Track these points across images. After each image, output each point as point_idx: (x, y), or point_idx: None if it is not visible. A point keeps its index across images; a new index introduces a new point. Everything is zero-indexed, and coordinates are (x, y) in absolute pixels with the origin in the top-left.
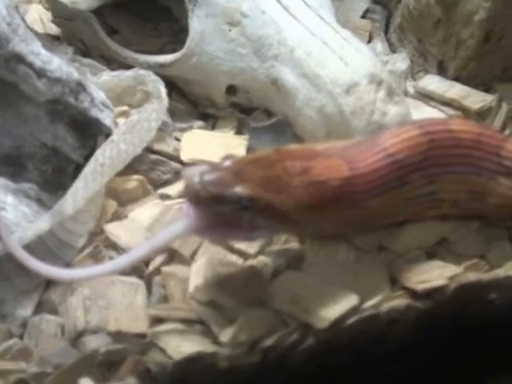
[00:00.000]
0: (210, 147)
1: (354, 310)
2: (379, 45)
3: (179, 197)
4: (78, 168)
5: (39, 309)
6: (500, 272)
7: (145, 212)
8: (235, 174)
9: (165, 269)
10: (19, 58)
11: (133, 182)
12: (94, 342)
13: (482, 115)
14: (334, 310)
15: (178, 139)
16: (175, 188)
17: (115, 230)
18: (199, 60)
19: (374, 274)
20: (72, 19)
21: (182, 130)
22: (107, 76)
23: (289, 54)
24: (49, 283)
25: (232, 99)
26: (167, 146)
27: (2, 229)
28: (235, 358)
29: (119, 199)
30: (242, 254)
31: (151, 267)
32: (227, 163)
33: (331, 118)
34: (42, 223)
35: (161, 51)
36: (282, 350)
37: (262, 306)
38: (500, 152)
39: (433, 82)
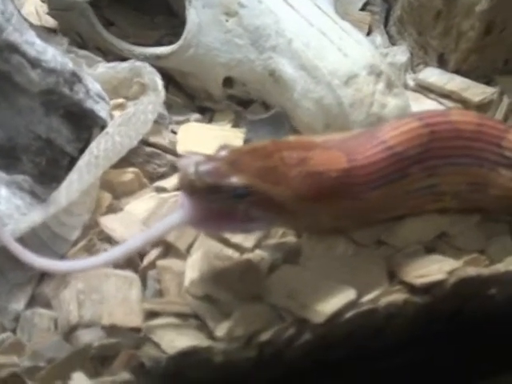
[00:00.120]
0: (207, 140)
1: (351, 305)
2: (379, 37)
3: (175, 190)
4: (73, 160)
5: (32, 302)
6: (500, 267)
7: (140, 205)
8: (231, 164)
9: (160, 262)
10: (13, 48)
11: (128, 174)
12: (87, 336)
13: (482, 108)
14: (330, 305)
15: (174, 132)
16: (171, 181)
17: (110, 223)
18: (196, 52)
19: (372, 268)
20: (68, 10)
21: (179, 123)
22: (103, 68)
23: (287, 45)
24: (42, 276)
25: (229, 92)
26: (163, 139)
27: None
28: (231, 353)
29: (114, 192)
30: (239, 248)
31: (146, 261)
32: (223, 153)
33: (330, 110)
34: (35, 215)
35: (158, 44)
36: (278, 344)
37: (259, 300)
38: (501, 143)
39: (433, 75)
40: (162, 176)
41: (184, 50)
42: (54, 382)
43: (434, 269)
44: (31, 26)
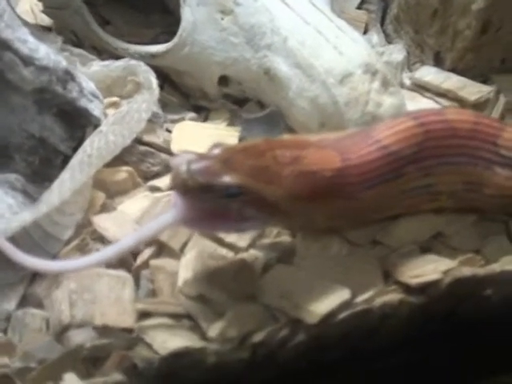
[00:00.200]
0: (201, 139)
1: (345, 305)
2: (375, 36)
3: (169, 189)
4: (66, 159)
5: (24, 302)
6: (496, 267)
7: (134, 204)
8: (224, 162)
9: (153, 262)
10: (5, 45)
11: (122, 173)
12: (79, 337)
13: (479, 107)
14: (324, 305)
15: (169, 131)
16: (165, 180)
17: (103, 223)
18: (191, 50)
19: (367, 268)
20: (62, 8)
21: (174, 122)
22: (97, 66)
23: (282, 44)
24: (34, 276)
25: (224, 90)
26: (157, 138)
27: None
28: (224, 354)
29: (108, 191)
30: (233, 248)
31: (139, 260)
32: (216, 152)
33: (325, 109)
34: (26, 215)
35: (153, 42)
36: (272, 345)
37: (252, 300)
38: (497, 141)
39: (429, 74)
40: (156, 175)
41: (179, 48)
42: (45, 383)
43: (429, 269)
44: (26, 24)
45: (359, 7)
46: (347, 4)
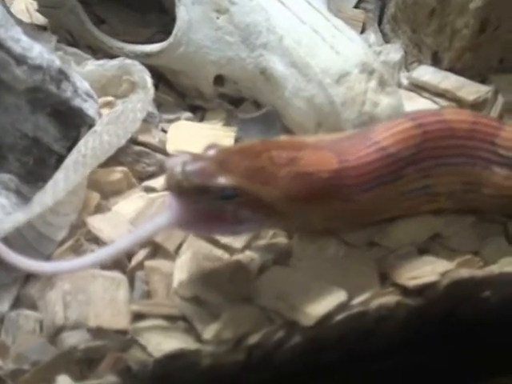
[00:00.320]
0: (197, 139)
1: (341, 307)
2: (372, 35)
3: (164, 190)
4: (60, 159)
5: (17, 304)
6: (494, 268)
7: (129, 205)
8: (219, 164)
9: (148, 263)
10: None
11: (117, 174)
12: (73, 339)
13: (477, 107)
14: (320, 307)
15: (164, 131)
16: (160, 181)
17: (97, 223)
18: (186, 49)
19: (364, 270)
20: (57, 8)
21: (170, 122)
22: (92, 65)
23: (278, 43)
24: (28, 277)
25: (220, 90)
26: (153, 138)
27: None
28: (219, 356)
29: (102, 191)
30: (228, 249)
31: (134, 262)
32: (211, 153)
33: (321, 109)
34: (20, 215)
35: (149, 41)
36: (267, 347)
37: (248, 302)
38: (495, 140)
39: (427, 73)
40: (151, 175)
41: (174, 47)
42: None
43: (426, 270)
44: (20, 23)
45: (356, 6)
46: (344, 3)
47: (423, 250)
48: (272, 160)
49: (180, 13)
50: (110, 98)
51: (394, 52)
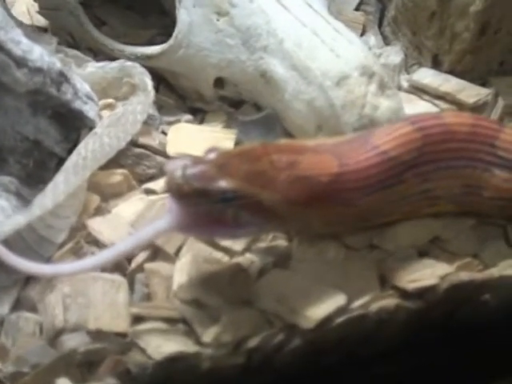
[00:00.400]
0: (197, 141)
1: (341, 310)
2: (373, 38)
3: (164, 192)
4: (61, 162)
5: (17, 306)
6: (494, 271)
7: (129, 207)
8: (219, 167)
9: (148, 266)
10: None
11: (117, 176)
12: (72, 341)
13: (477, 110)
14: (320, 310)
15: (164, 133)
16: (160, 183)
17: (97, 226)
18: (186, 52)
19: (364, 273)
20: (58, 10)
21: (170, 124)
22: (92, 68)
23: (278, 45)
24: (28, 280)
25: (220, 92)
26: (153, 140)
27: None
28: (218, 359)
29: (102, 194)
30: (228, 252)
31: (134, 264)
32: (211, 156)
33: (321, 112)
34: (20, 218)
35: (150, 43)
36: (267, 351)
37: (248, 305)
38: (495, 142)
39: (427, 76)
40: (152, 178)
41: (174, 50)
42: None
43: (426, 273)
44: (21, 25)
45: (357, 9)
46: (345, 6)
47: (423, 253)
48: (272, 164)
49: (180, 15)
50: (110, 100)
51: (394, 55)
